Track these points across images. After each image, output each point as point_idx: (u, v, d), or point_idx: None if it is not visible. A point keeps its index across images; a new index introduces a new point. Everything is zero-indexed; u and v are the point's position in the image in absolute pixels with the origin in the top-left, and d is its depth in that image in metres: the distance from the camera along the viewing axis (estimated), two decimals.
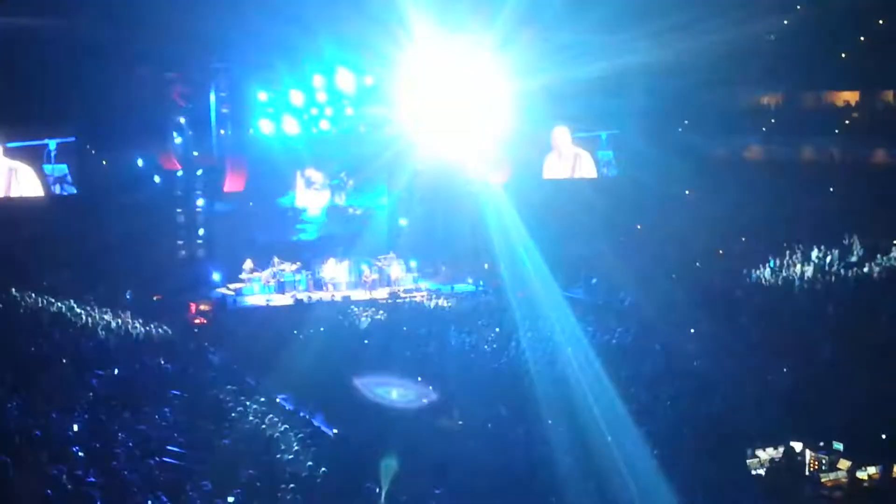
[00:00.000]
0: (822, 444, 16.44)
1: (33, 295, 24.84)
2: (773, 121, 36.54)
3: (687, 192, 36.29)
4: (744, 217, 32.77)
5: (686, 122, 38.60)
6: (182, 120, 32.65)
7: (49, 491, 10.74)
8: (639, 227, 35.93)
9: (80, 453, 12.92)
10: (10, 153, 31.88)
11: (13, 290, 24.02)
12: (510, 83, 34.67)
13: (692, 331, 26.15)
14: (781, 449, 16.24)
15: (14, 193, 32.01)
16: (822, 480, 15.76)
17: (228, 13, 29.33)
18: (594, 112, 38.77)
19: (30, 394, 14.90)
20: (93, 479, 11.73)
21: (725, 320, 26.37)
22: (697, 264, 30.82)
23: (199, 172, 34.77)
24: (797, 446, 16.31)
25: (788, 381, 20.54)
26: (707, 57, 33.33)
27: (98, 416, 15.13)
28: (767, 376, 20.91)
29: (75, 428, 14.03)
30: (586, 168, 39.48)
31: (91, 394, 16.55)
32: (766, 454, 16.40)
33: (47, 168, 32.32)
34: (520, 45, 34.16)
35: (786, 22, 35.14)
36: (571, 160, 39.29)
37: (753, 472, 16.02)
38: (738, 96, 37.60)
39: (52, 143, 32.00)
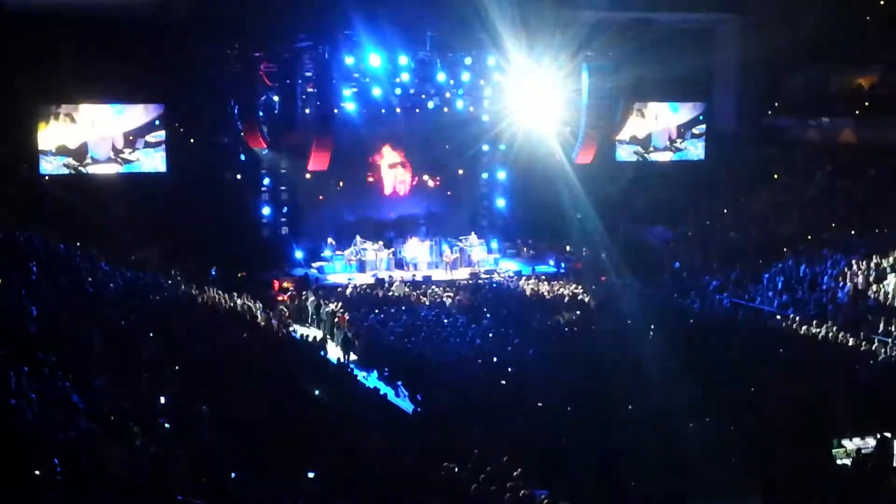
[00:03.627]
0: None
1: (123, 269, 25.38)
2: (867, 103, 35.54)
3: (776, 175, 35.55)
4: (834, 202, 32.01)
5: (776, 103, 37.83)
6: (268, 99, 32.95)
7: (136, 461, 10.99)
8: (725, 210, 35.33)
9: (167, 425, 13.18)
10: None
11: (104, 264, 24.56)
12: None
13: (777, 317, 25.74)
14: (869, 439, 15.85)
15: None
16: None
17: None
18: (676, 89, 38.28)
19: (119, 366, 15.23)
20: (178, 451, 11.96)
21: (812, 305, 25.89)
22: (785, 249, 30.21)
23: (285, 151, 35.15)
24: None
25: (877, 369, 20.08)
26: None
27: (184, 390, 15.41)
28: (856, 364, 20.48)
29: (162, 400, 14.30)
30: (666, 149, 38.92)
31: (177, 367, 16.86)
32: (853, 444, 16.02)
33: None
34: None
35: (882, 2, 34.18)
36: (651, 141, 38.76)
37: (839, 462, 15.67)
38: (832, 78, 36.66)
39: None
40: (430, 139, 36.97)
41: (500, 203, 39.09)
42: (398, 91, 34.42)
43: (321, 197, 36.08)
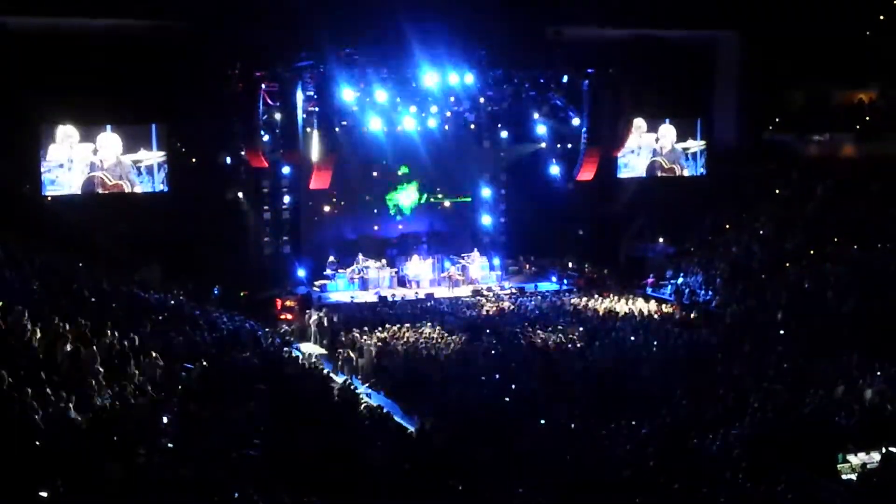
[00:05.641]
0: None
1: (125, 288, 25.41)
2: (867, 118, 35.59)
3: (776, 190, 35.53)
4: (835, 217, 31.97)
5: (777, 119, 37.89)
6: (270, 118, 32.99)
7: (140, 481, 10.96)
8: (727, 226, 35.29)
9: (170, 445, 13.14)
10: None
11: (105, 283, 24.56)
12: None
13: (781, 332, 25.66)
14: (875, 454, 15.76)
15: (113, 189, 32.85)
16: None
17: (316, 12, 29.65)
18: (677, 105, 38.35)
19: (121, 385, 15.20)
20: (181, 470, 11.92)
21: (815, 321, 25.80)
22: (787, 265, 30.16)
23: (286, 170, 35.19)
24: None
25: (881, 382, 20.00)
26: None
27: (187, 409, 15.37)
28: (860, 378, 20.40)
29: (165, 419, 14.26)
30: (668, 165, 38.92)
31: (180, 386, 16.82)
32: (858, 459, 15.93)
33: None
34: None
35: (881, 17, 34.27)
36: (651, 157, 38.78)
37: (844, 478, 15.58)
38: (832, 93, 36.73)
39: None
40: (432, 156, 36.96)
41: (502, 220, 39.09)
42: (399, 109, 34.44)
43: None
